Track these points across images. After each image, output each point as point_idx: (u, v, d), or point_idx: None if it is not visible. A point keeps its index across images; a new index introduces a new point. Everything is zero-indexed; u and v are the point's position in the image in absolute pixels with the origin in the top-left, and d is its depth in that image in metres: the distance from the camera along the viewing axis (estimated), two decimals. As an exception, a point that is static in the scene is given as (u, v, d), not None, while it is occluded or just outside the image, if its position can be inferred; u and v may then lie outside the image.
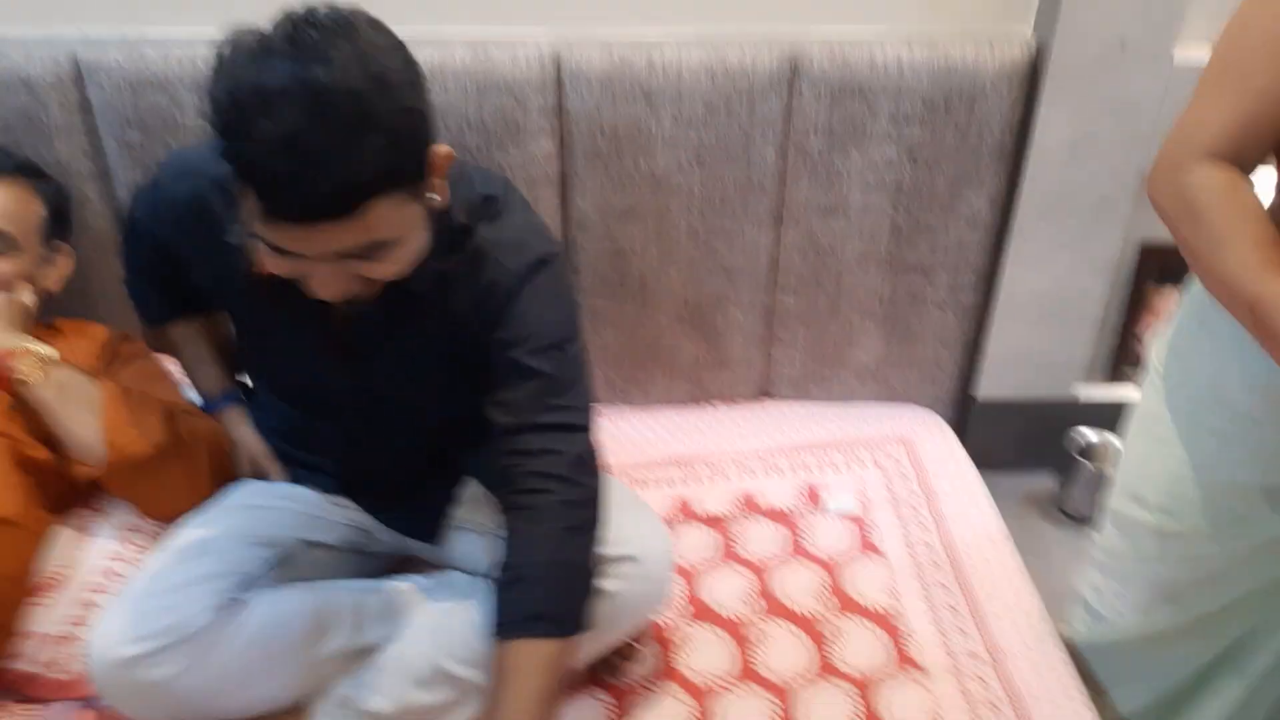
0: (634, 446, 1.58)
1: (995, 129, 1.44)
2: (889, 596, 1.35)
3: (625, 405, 1.68)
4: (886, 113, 1.42)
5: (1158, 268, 1.61)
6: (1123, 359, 1.69)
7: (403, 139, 0.85)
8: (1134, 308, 1.65)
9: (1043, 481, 1.70)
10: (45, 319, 1.33)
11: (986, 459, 1.67)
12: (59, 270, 1.37)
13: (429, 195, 0.94)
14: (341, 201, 0.83)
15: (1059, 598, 1.48)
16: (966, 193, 1.49)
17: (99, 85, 1.36)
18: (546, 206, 1.47)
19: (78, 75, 1.36)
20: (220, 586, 1.10)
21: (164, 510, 1.23)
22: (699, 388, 1.68)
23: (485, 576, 1.22)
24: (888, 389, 1.70)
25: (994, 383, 1.67)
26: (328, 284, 0.91)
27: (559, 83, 1.40)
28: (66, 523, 1.24)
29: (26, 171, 1.32)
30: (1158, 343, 1.12)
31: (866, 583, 1.37)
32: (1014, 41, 1.41)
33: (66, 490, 1.24)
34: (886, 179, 1.47)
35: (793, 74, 1.40)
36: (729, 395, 1.70)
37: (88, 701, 1.14)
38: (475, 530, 1.24)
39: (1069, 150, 1.45)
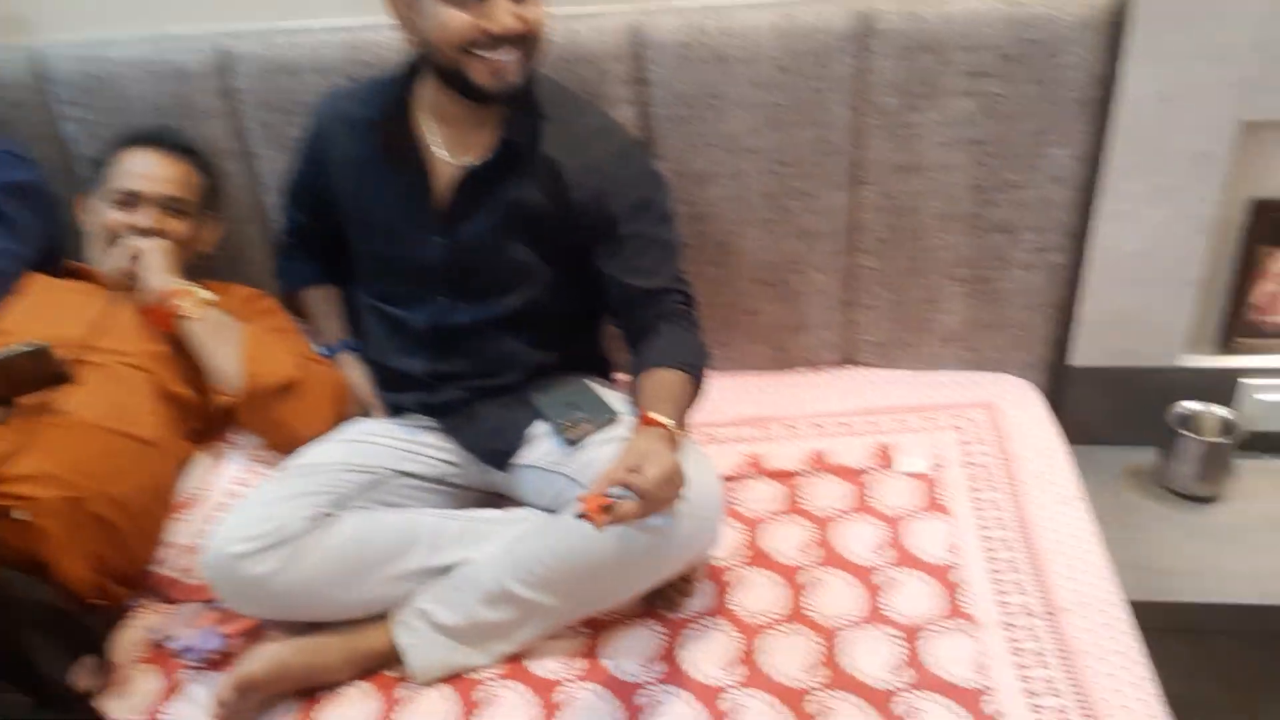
0: (710, 405, 1.58)
1: (1079, 81, 1.40)
2: (949, 553, 1.34)
3: (707, 368, 1.73)
4: (961, 67, 1.41)
5: (1272, 228, 1.50)
6: (1235, 327, 1.58)
7: None
8: (1246, 272, 1.54)
9: (1147, 456, 1.61)
10: (197, 280, 1.54)
11: (1086, 431, 1.62)
12: (211, 235, 1.59)
13: None
14: None
15: (1155, 572, 1.42)
16: (1050, 149, 1.45)
17: (242, 74, 1.56)
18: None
19: (223, 64, 1.57)
20: (317, 502, 1.27)
21: (286, 441, 1.42)
22: (782, 352, 1.71)
23: (551, 512, 1.33)
24: (977, 356, 1.66)
25: (1090, 350, 1.60)
26: (504, 13, 1.20)
27: (637, 53, 1.48)
28: (205, 451, 1.45)
29: (190, 150, 1.55)
30: None
31: (928, 539, 1.36)
32: (1095, -13, 1.37)
33: (205, 423, 1.46)
34: (964, 136, 1.46)
35: (863, 30, 1.42)
36: (812, 361, 1.72)
37: (211, 603, 1.32)
38: (544, 467, 1.34)
39: (1160, 101, 1.38)
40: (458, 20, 1.20)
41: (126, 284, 1.44)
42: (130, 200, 1.47)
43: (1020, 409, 1.58)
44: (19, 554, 1.20)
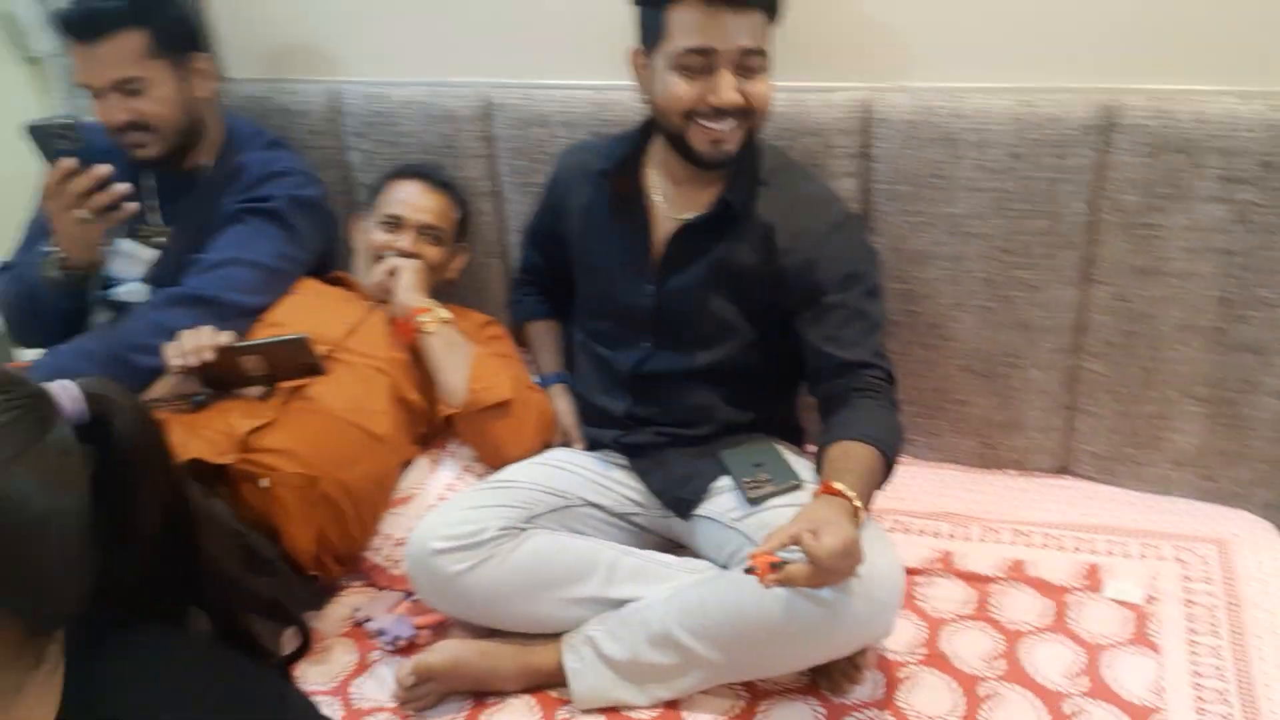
0: (906, 493, 1.57)
1: (1354, 198, 1.27)
2: (1153, 694, 1.21)
3: (909, 456, 1.65)
4: (1214, 171, 1.32)
5: None
6: None
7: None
8: None
9: None
10: (441, 301, 1.67)
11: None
12: (460, 263, 1.75)
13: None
14: None
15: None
16: (1315, 268, 1.32)
17: (501, 121, 1.72)
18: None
19: (487, 113, 1.73)
20: (510, 514, 1.35)
21: (493, 455, 1.53)
22: (990, 450, 1.63)
23: (724, 567, 1.33)
24: (1212, 486, 1.51)
25: (1354, 500, 1.42)
26: (726, 88, 1.26)
27: (863, 128, 1.49)
28: (425, 455, 1.59)
29: (450, 185, 1.72)
30: None
31: (1130, 674, 1.24)
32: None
33: (429, 430, 1.60)
34: (1213, 244, 1.36)
35: (1106, 124, 1.36)
36: (1023, 464, 1.62)
37: (409, 595, 1.43)
38: (722, 522, 1.35)
39: None
40: (683, 89, 1.28)
41: (381, 296, 1.61)
42: (394, 224, 1.64)
43: (1259, 552, 1.41)
44: (257, 518, 1.35)
